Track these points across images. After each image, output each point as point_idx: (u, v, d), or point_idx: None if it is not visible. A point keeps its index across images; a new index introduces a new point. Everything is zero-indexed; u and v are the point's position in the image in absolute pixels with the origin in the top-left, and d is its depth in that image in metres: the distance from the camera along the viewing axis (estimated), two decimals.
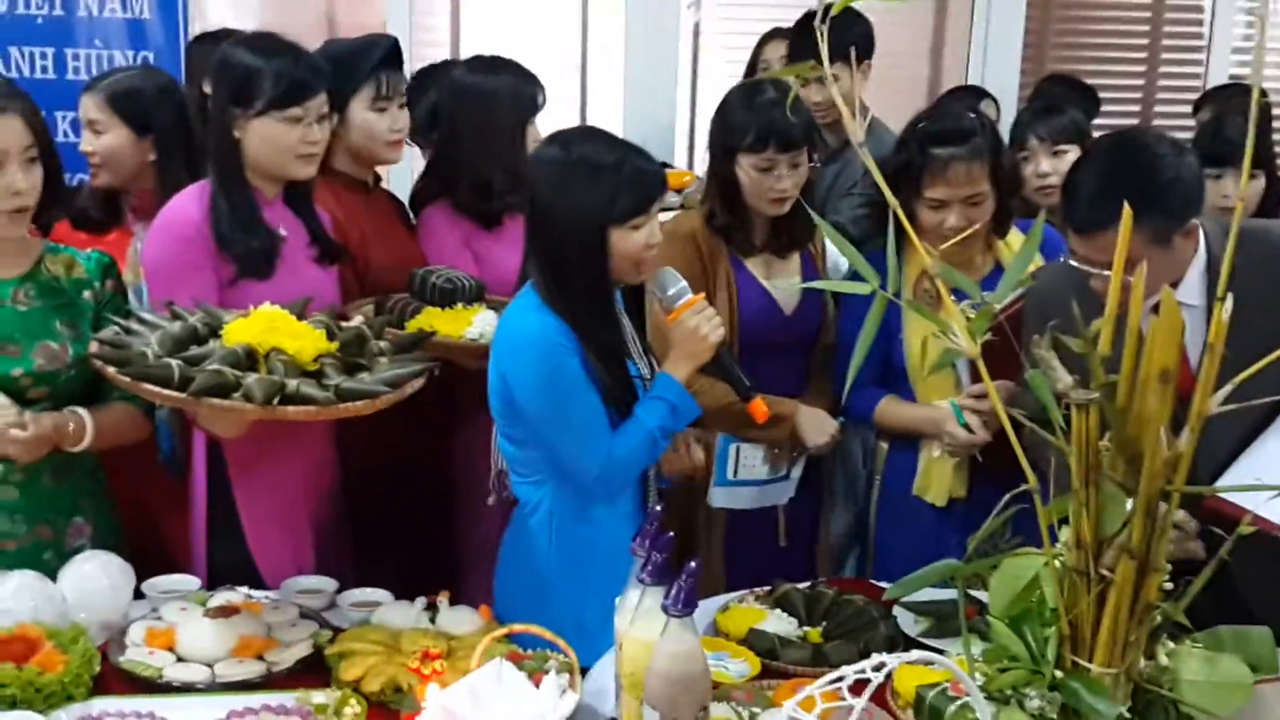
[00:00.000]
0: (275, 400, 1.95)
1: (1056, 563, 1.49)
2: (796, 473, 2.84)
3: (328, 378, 2.04)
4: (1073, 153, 3.24)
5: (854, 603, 2.34)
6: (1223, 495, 1.94)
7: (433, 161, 3.14)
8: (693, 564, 1.72)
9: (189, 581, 2.32)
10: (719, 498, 2.79)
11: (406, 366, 2.13)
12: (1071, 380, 1.42)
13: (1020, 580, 1.56)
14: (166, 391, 1.96)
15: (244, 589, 2.29)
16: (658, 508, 1.99)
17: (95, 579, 2.13)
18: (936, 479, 2.72)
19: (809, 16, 3.91)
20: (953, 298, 1.52)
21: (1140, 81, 5.15)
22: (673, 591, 1.72)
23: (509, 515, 2.60)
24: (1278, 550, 1.80)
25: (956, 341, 1.50)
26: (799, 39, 3.60)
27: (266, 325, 2.06)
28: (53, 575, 2.15)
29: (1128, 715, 1.47)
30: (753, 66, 4.16)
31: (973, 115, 2.70)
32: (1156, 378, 1.39)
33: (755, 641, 2.21)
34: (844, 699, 1.31)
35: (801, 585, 2.43)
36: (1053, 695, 1.48)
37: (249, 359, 2.02)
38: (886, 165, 2.71)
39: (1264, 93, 1.66)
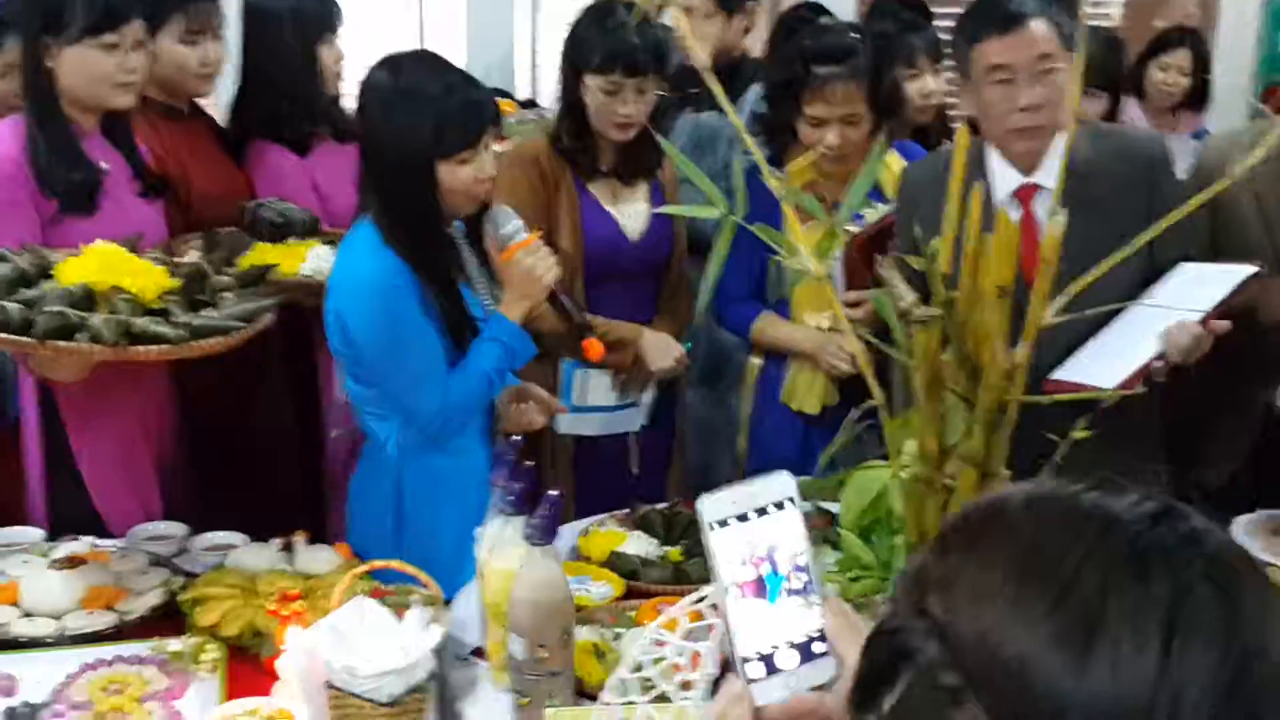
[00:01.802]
0: (123, 340, 1.89)
1: (903, 474, 1.56)
2: (647, 399, 2.86)
3: (173, 315, 1.98)
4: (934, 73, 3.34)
5: None
6: (1057, 378, 2.02)
7: (238, 92, 3.06)
8: (553, 493, 1.74)
9: (30, 533, 2.25)
10: (565, 424, 2.78)
11: (255, 301, 2.09)
12: (914, 297, 1.48)
13: (869, 492, 1.64)
14: (6, 335, 1.87)
15: (89, 538, 2.22)
16: (516, 438, 1.98)
17: None
18: (803, 387, 2.80)
19: None
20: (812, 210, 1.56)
21: None
22: (534, 521, 1.74)
23: (356, 449, 2.59)
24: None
25: (804, 263, 1.54)
26: None
27: (103, 263, 1.98)
28: None
29: None
30: None
31: (855, 34, 2.71)
32: (993, 293, 1.45)
33: (617, 563, 2.24)
34: (705, 618, 1.34)
35: (660, 506, 2.48)
36: None
37: (88, 299, 1.94)
38: (771, 79, 2.80)
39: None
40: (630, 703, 1.17)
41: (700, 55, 1.52)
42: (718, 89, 1.56)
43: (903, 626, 0.74)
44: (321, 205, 2.93)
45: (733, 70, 3.35)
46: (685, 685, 1.17)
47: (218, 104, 3.26)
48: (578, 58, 2.68)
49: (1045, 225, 1.45)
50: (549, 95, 3.70)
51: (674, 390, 2.95)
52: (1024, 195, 2.29)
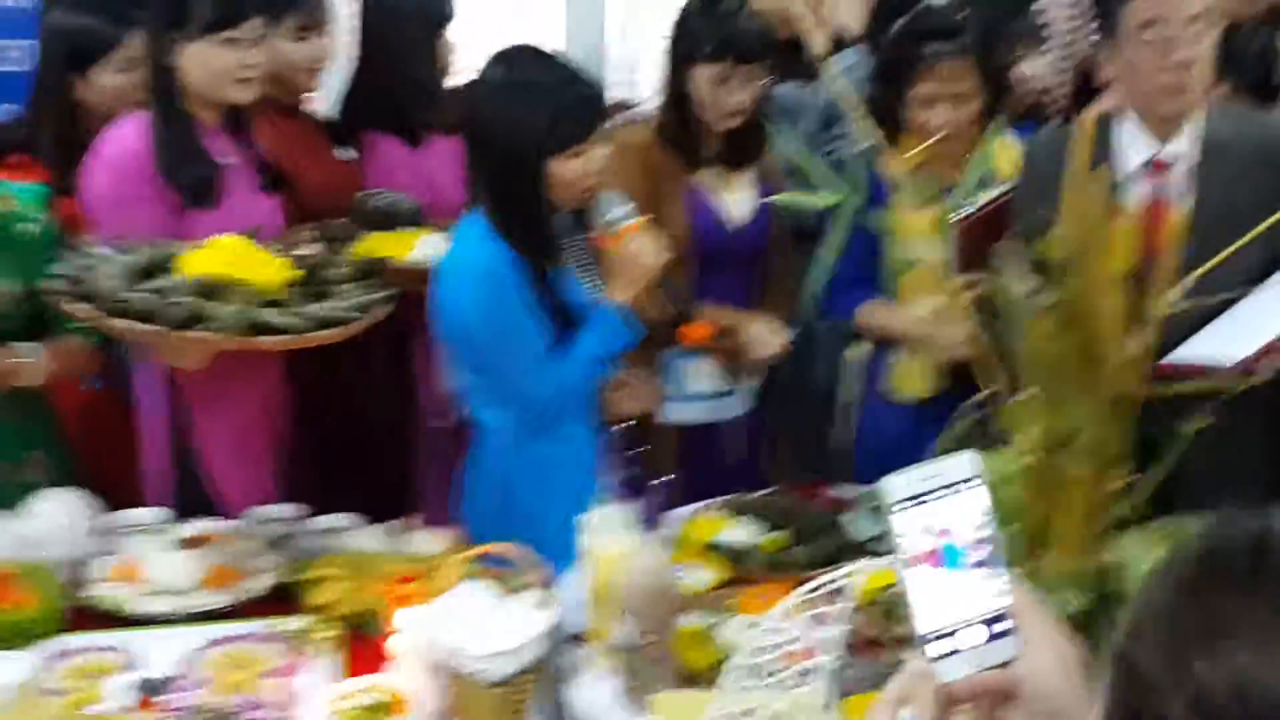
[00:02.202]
0: (247, 331, 1.94)
1: (1019, 463, 1.54)
2: (749, 386, 2.85)
3: (294, 306, 2.02)
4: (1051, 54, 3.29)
5: (813, 508, 2.39)
6: (1174, 360, 1.96)
7: (354, 82, 3.11)
8: (663, 480, 1.76)
9: (157, 514, 2.31)
10: (670, 412, 2.78)
11: (373, 292, 2.13)
12: (1033, 284, 1.46)
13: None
14: (140, 325, 1.93)
15: (209, 520, 2.29)
16: (625, 424, 2.00)
17: (57, 515, 2.13)
18: (910, 374, 2.75)
19: None
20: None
21: None
22: (645, 506, 1.75)
23: (463, 436, 2.63)
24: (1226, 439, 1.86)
25: (924, 249, 1.53)
26: None
27: (229, 255, 2.04)
28: (10, 511, 2.14)
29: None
30: None
31: (964, 13, 2.67)
32: (1114, 280, 1.43)
33: (717, 551, 2.25)
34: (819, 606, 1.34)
35: (761, 493, 2.48)
36: None
37: (213, 290, 2.00)
38: (879, 60, 2.75)
39: None
40: (748, 689, 1.17)
41: (818, 39, 1.51)
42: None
43: (1155, 686, 0.67)
44: (433, 196, 2.96)
45: (797, 44, 3.29)
46: (802, 674, 1.16)
47: (323, 99, 3.34)
48: (687, 47, 2.67)
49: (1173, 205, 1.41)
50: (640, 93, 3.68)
51: (776, 377, 2.94)
52: (1155, 169, 2.22)
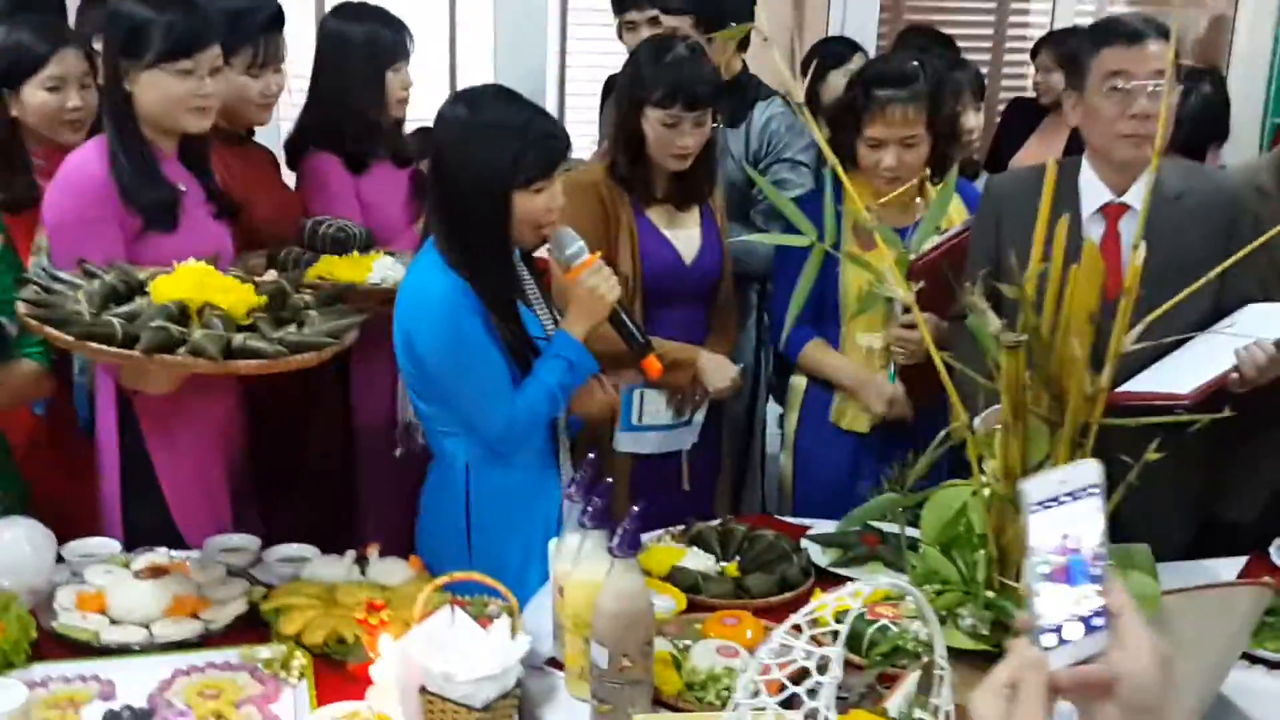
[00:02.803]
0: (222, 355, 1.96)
1: (985, 492, 1.62)
2: (699, 418, 2.93)
3: (262, 331, 2.04)
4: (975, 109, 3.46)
5: (765, 537, 2.46)
6: (1128, 388, 2.10)
7: (305, 109, 3.14)
8: (636, 508, 1.81)
9: (109, 544, 2.30)
10: (624, 442, 2.86)
11: (342, 318, 2.16)
12: (1000, 323, 1.54)
13: (950, 509, 1.69)
14: (114, 349, 1.93)
15: (164, 549, 2.28)
16: (591, 455, 2.05)
17: (18, 545, 2.09)
18: (853, 407, 2.87)
19: None
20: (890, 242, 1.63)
21: (989, 30, 5.37)
22: (618, 534, 1.80)
23: (412, 465, 2.65)
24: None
25: (891, 288, 1.61)
26: None
27: (196, 281, 2.04)
28: None
29: None
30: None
31: (915, 63, 2.82)
32: (1079, 320, 1.52)
33: (678, 578, 2.31)
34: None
35: (713, 522, 2.54)
36: (985, 614, 1.61)
37: (183, 315, 2.01)
38: (833, 106, 2.92)
39: None
40: (761, 709, 1.22)
41: (797, 90, 1.59)
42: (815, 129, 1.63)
43: None
44: (364, 218, 3.01)
45: (731, 87, 3.38)
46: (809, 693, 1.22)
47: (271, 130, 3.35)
48: (638, 91, 2.76)
49: (1128, 247, 1.52)
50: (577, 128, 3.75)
51: (720, 409, 3.01)
52: (1110, 213, 2.41)
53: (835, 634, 1.21)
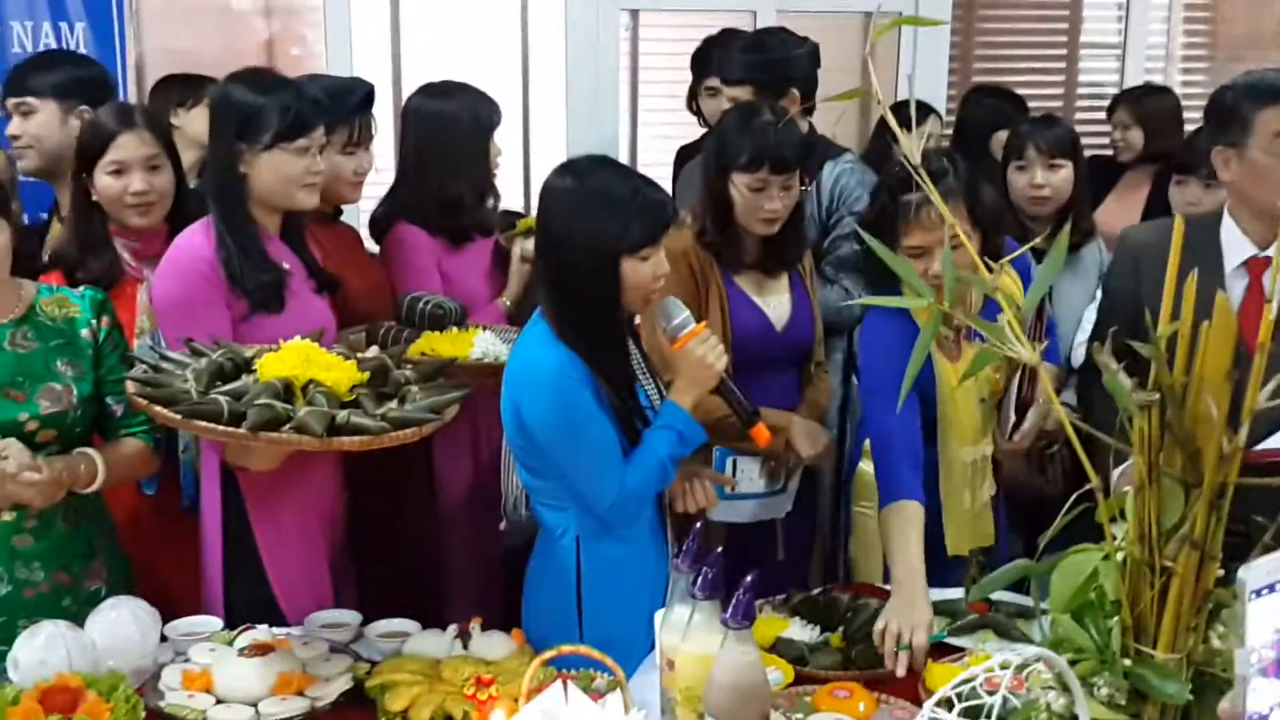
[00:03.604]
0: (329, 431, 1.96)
1: (1118, 556, 1.57)
2: (793, 485, 2.89)
3: (365, 407, 2.05)
4: (1066, 168, 3.39)
5: (869, 606, 2.41)
6: (1263, 448, 2.04)
7: (396, 187, 3.18)
8: (749, 578, 1.77)
9: (211, 622, 2.31)
10: (719, 512, 2.78)
11: (443, 393, 2.16)
12: (1132, 383, 1.51)
13: (1080, 574, 1.64)
14: (221, 427, 1.95)
15: (266, 626, 2.28)
16: (698, 525, 2.02)
17: (124, 625, 2.11)
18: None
19: (707, 42, 4.01)
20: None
21: (1060, 91, 5.35)
22: (732, 604, 1.76)
23: (496, 537, 2.64)
24: None
25: (1015, 349, 1.58)
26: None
27: (301, 358, 2.06)
28: (74, 620, 2.12)
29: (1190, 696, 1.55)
30: (693, 92, 4.23)
31: (943, 157, 2.60)
32: (1214, 378, 1.48)
33: (783, 649, 2.27)
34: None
35: (815, 591, 2.50)
36: (1122, 682, 1.55)
37: (288, 392, 2.02)
38: (866, 217, 2.68)
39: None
40: None
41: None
42: None
43: None
44: (447, 292, 3.03)
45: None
46: None
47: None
48: (725, 157, 2.75)
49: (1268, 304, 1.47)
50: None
51: (813, 475, 2.97)
52: (1254, 267, 2.41)
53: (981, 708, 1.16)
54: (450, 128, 3.01)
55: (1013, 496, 2.94)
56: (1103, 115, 4.63)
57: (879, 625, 2.26)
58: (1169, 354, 1.49)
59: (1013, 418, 2.68)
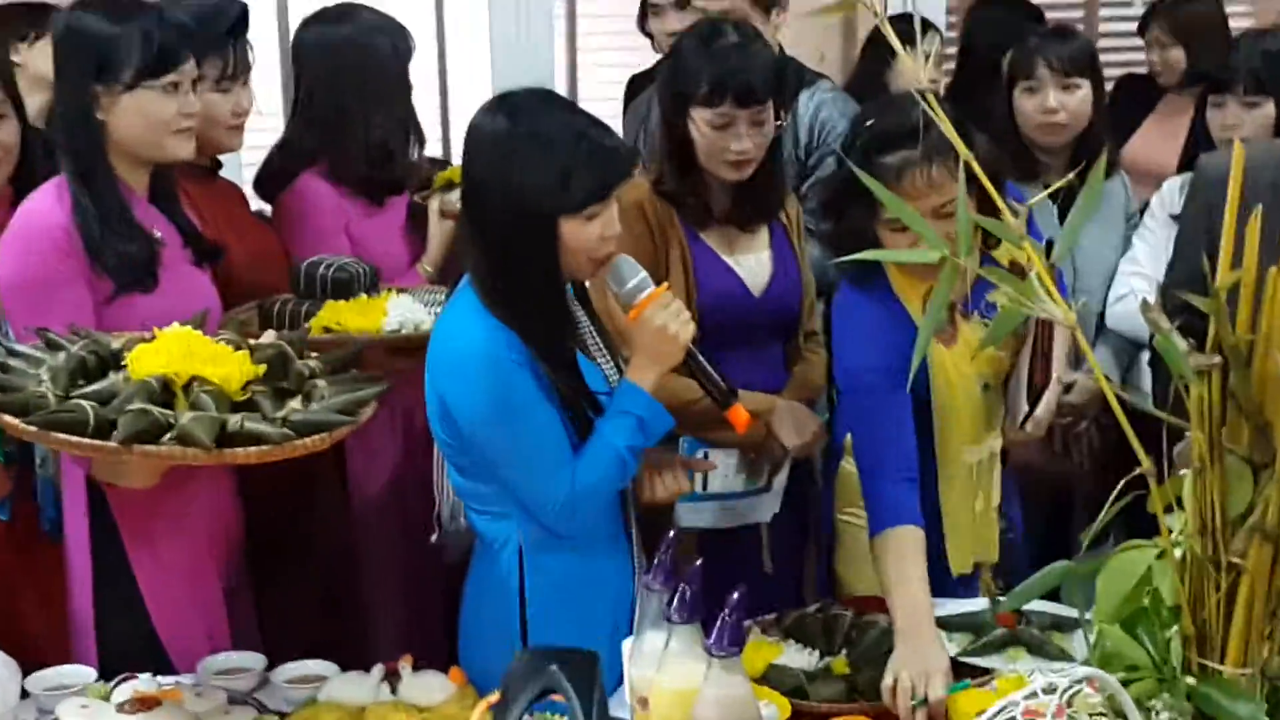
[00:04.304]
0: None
1: (1176, 553, 1.56)
2: (780, 483, 2.85)
3: (262, 409, 2.01)
4: (1084, 89, 3.33)
5: (876, 624, 2.40)
6: None
7: (292, 134, 3.14)
8: (735, 595, 1.75)
9: (82, 673, 2.27)
10: (686, 516, 2.76)
11: (357, 388, 2.12)
12: (1188, 344, 1.50)
13: (1131, 576, 1.64)
14: (86, 440, 1.91)
15: (149, 675, 2.23)
16: (671, 534, 1.99)
17: None
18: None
19: None
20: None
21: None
22: (716, 628, 1.74)
23: (433, 554, 2.61)
24: None
25: (1046, 307, 1.56)
26: None
27: (181, 350, 2.01)
28: None
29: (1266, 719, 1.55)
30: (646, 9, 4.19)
31: (918, 107, 2.50)
32: None
33: (777, 679, 2.25)
34: None
35: (810, 609, 2.49)
36: (1185, 705, 1.55)
37: (166, 393, 1.98)
38: (829, 186, 2.67)
39: None
40: None
41: None
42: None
43: None
44: (353, 253, 2.99)
45: None
46: None
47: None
48: (681, 87, 2.72)
49: None
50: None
51: (807, 472, 2.96)
52: None
53: None
54: (363, 59, 3.00)
55: (1027, 487, 2.93)
56: (1130, 27, 4.65)
57: (887, 680, 2.22)
58: (1232, 309, 1.48)
59: (1024, 408, 2.59)
